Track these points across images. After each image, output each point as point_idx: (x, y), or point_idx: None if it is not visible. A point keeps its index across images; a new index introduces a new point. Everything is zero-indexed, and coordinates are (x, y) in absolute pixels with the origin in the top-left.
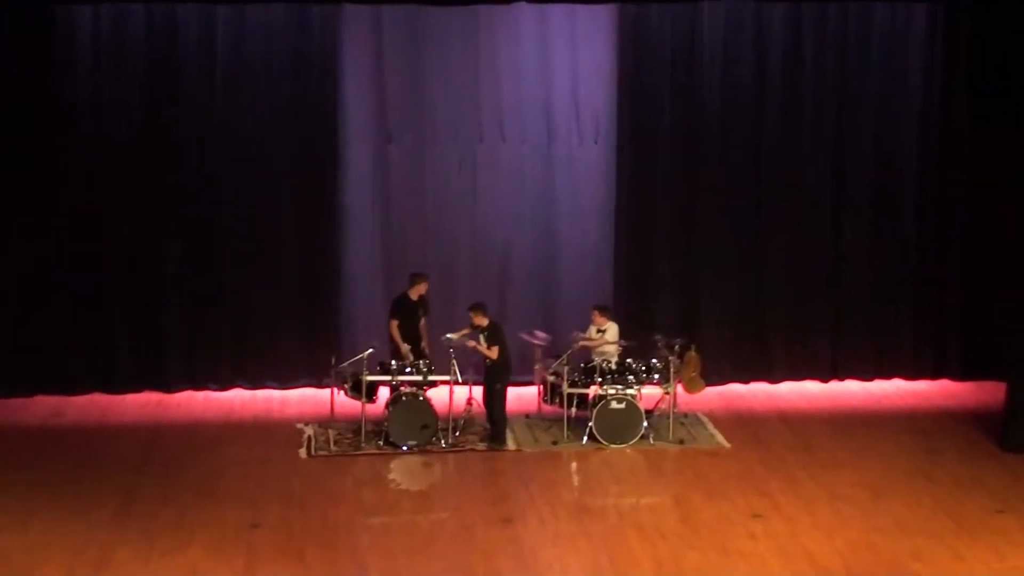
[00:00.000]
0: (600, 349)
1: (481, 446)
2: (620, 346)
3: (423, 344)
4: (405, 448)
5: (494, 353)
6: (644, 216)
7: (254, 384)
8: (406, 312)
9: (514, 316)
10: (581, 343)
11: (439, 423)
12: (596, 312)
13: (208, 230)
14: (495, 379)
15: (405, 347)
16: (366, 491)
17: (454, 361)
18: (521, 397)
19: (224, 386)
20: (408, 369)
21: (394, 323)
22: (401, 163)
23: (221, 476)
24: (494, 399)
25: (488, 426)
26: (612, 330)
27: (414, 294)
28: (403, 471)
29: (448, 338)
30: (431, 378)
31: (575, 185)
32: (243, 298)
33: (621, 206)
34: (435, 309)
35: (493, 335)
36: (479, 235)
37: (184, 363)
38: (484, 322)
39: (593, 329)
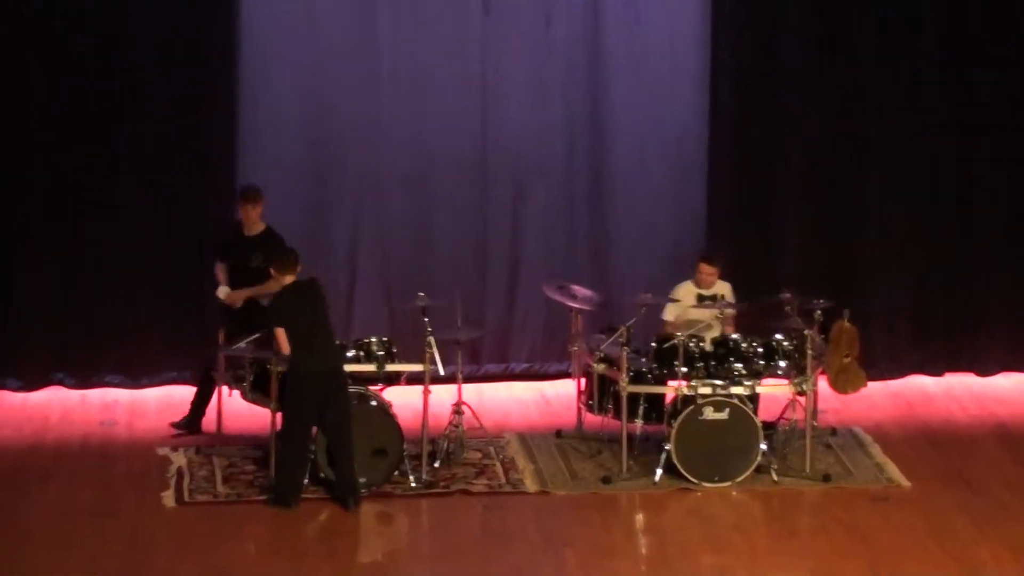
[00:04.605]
0: (696, 322)
1: (480, 484)
2: (731, 318)
3: None
4: None
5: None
6: (762, 93)
7: (82, 380)
8: None
9: (533, 259)
10: (668, 327)
11: (405, 446)
12: (704, 265)
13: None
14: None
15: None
16: (281, 564)
17: (431, 340)
18: (547, 399)
19: (32, 384)
20: (354, 352)
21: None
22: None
23: (30, 539)
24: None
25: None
26: (728, 294)
27: None
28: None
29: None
30: (392, 368)
31: (638, 31)
32: (63, 236)
33: (722, 71)
34: (408, 269)
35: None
36: (463, 126)
37: None
38: None
39: (691, 290)
